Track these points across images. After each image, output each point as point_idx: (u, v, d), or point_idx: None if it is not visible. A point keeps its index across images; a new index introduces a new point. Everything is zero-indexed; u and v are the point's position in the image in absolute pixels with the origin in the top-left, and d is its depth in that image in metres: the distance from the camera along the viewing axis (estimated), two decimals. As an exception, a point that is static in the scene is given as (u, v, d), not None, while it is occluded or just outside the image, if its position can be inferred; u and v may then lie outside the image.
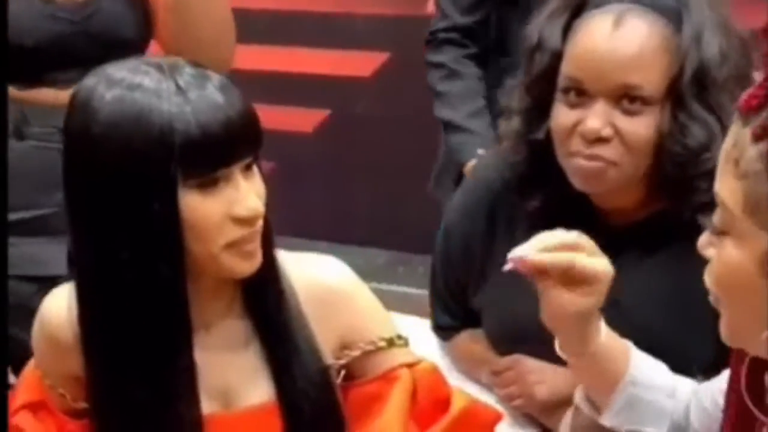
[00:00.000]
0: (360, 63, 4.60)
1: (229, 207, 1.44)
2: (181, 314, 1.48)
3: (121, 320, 1.47)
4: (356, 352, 1.61)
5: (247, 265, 1.48)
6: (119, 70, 1.45)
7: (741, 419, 1.32)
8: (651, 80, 1.67)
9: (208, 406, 1.53)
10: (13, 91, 2.23)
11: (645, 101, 1.67)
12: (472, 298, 1.96)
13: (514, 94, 1.83)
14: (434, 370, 1.66)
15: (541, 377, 1.83)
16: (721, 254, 1.17)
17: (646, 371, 1.59)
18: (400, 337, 1.64)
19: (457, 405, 1.64)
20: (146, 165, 1.40)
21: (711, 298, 1.22)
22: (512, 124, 1.82)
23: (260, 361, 1.56)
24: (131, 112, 1.40)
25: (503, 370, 1.89)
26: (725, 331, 1.22)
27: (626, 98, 1.67)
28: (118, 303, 1.46)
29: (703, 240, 1.21)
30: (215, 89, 1.43)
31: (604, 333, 1.57)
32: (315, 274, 1.60)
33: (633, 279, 1.74)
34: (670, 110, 1.68)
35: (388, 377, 1.61)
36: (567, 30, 1.74)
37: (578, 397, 1.66)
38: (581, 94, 1.70)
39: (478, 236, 1.91)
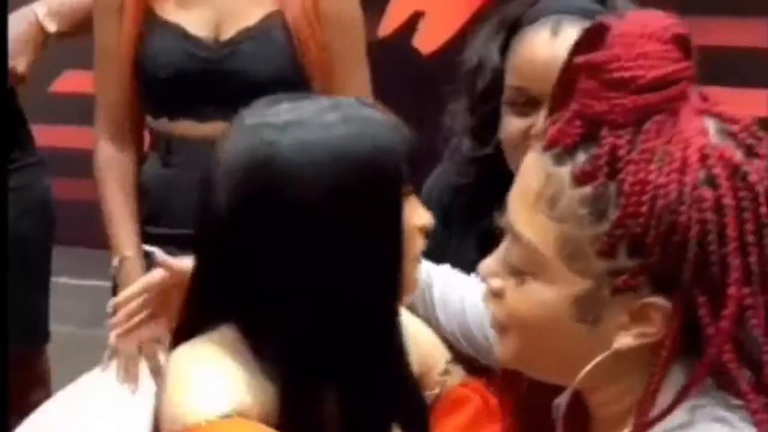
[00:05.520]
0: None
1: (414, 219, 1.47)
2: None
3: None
4: (437, 390, 1.63)
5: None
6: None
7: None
8: None
9: None
10: (162, 122, 2.35)
11: None
12: None
13: (457, 117, 1.92)
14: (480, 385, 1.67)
15: None
16: (527, 294, 1.09)
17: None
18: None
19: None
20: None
21: (493, 326, 1.16)
22: (460, 146, 1.90)
23: None
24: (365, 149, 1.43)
25: None
26: (508, 357, 1.15)
27: None
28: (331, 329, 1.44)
29: (489, 268, 1.13)
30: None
31: None
32: None
33: None
34: None
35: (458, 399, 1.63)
36: (504, 49, 1.84)
37: None
38: (528, 102, 1.78)
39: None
